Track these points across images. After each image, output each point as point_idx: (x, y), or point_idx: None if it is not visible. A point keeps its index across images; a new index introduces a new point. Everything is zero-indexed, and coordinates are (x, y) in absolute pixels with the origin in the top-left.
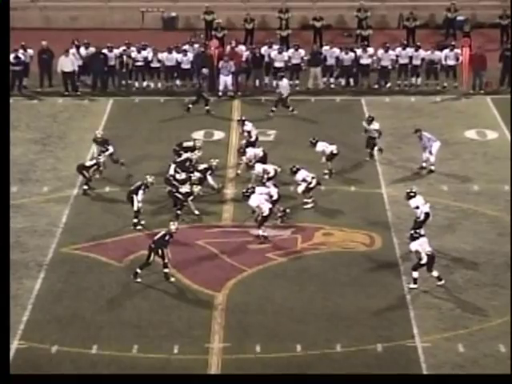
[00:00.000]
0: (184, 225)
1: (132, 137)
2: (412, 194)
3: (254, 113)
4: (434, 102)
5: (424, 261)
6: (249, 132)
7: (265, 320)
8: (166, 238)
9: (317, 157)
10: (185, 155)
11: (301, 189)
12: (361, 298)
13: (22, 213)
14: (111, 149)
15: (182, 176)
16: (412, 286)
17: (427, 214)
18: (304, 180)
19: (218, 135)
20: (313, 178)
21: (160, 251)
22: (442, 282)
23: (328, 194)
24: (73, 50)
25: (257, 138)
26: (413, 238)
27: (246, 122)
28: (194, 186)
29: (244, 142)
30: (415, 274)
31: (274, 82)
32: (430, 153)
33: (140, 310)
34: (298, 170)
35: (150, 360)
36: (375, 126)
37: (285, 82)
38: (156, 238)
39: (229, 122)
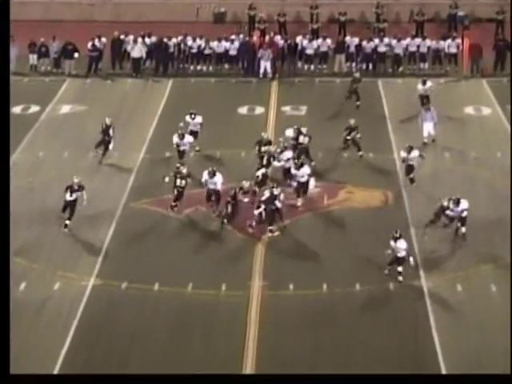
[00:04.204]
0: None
1: (188, 110)
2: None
3: (288, 92)
4: (439, 84)
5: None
6: None
7: (296, 263)
8: None
9: (339, 130)
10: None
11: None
12: (377, 245)
13: (99, 174)
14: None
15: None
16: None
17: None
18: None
19: (259, 110)
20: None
21: None
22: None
23: (350, 159)
24: (140, 39)
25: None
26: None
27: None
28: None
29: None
30: (400, 268)
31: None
32: (435, 124)
33: (195, 254)
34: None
35: (202, 296)
36: (415, 153)
37: (428, 85)
38: None
39: (268, 99)
